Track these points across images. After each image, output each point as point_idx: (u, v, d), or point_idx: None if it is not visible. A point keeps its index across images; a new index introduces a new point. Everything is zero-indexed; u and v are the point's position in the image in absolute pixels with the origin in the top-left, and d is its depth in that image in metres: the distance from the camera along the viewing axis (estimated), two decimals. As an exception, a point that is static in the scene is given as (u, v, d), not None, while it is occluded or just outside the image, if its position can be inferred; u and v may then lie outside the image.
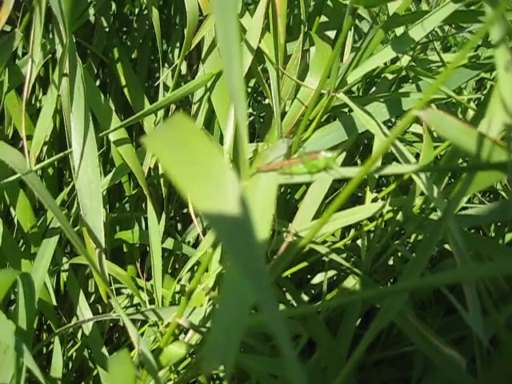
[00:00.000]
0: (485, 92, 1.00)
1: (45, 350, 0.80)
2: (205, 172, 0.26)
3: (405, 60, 0.67)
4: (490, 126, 0.40)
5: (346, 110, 0.66)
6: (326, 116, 0.65)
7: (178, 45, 0.82)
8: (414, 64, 0.68)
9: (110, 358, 0.41)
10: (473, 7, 0.67)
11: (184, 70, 0.83)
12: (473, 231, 0.87)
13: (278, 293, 0.53)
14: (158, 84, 0.73)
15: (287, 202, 0.78)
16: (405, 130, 0.78)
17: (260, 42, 0.58)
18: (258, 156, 0.43)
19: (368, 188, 0.64)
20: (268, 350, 0.59)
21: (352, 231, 0.78)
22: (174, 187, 0.68)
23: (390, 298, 0.44)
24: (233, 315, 0.28)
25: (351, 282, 0.62)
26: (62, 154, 0.55)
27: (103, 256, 0.53)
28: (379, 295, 0.46)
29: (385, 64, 0.69)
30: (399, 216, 0.59)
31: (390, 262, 0.77)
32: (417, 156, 0.80)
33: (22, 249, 0.66)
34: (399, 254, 0.70)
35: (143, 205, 0.83)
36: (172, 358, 0.49)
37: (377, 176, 0.65)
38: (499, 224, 0.82)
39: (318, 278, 0.81)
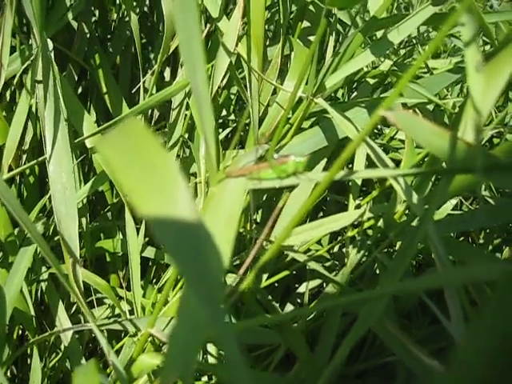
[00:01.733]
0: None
1: (29, 361, 0.78)
2: (157, 183, 0.25)
3: (387, 65, 0.67)
4: (466, 129, 0.39)
5: (330, 115, 0.65)
6: (310, 122, 0.64)
7: (161, 51, 0.81)
8: (395, 69, 0.67)
9: (76, 370, 0.40)
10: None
11: (168, 76, 0.82)
12: (462, 238, 0.86)
13: (254, 304, 0.52)
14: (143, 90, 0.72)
15: (271, 209, 0.77)
16: (391, 137, 0.77)
17: (237, 45, 0.57)
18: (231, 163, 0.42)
19: (351, 195, 0.63)
20: (250, 361, 0.58)
21: (339, 238, 0.77)
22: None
23: (368, 306, 0.43)
24: (189, 330, 0.27)
25: (334, 290, 0.61)
26: (35, 162, 0.54)
27: (77, 266, 0.52)
28: (354, 301, 0.45)
29: (367, 67, 0.68)
30: (381, 222, 0.58)
31: (377, 271, 0.76)
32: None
33: (1, 259, 0.65)
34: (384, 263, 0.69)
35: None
36: (144, 368, 0.48)
37: (359, 182, 0.64)
38: (488, 231, 0.81)
39: (304, 287, 0.80)
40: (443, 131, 0.36)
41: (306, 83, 0.56)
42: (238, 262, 0.66)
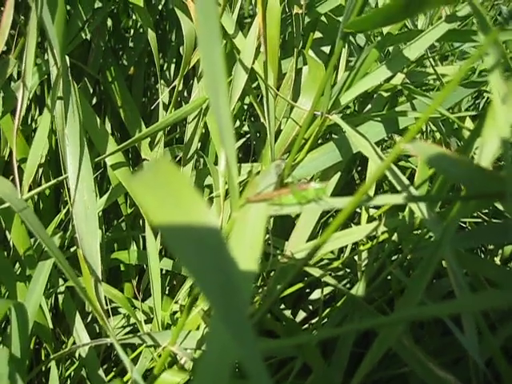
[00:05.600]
0: (483, 100, 0.99)
1: (43, 368, 0.80)
2: (188, 221, 0.26)
3: (399, 78, 0.67)
4: (483, 153, 0.40)
5: (343, 129, 0.65)
6: (321, 133, 0.65)
7: (174, 60, 0.82)
8: (408, 81, 0.67)
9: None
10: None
11: (180, 86, 0.82)
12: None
13: (270, 320, 0.53)
14: (155, 100, 0.73)
15: (284, 219, 0.78)
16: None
17: (254, 63, 0.58)
18: (249, 183, 0.43)
19: (364, 208, 0.64)
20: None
21: (349, 246, 0.78)
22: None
23: (387, 327, 0.44)
24: (219, 354, 0.28)
25: (348, 301, 0.62)
26: (55, 181, 0.54)
27: (99, 285, 0.52)
28: (374, 326, 0.46)
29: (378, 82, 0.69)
30: (395, 236, 0.59)
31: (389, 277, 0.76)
32: (413, 170, 0.80)
33: (18, 271, 0.65)
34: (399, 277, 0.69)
35: (140, 221, 0.83)
36: (166, 385, 0.49)
37: (372, 194, 0.65)
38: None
39: (317, 294, 0.81)
40: (463, 160, 0.37)
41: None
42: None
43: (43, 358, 0.80)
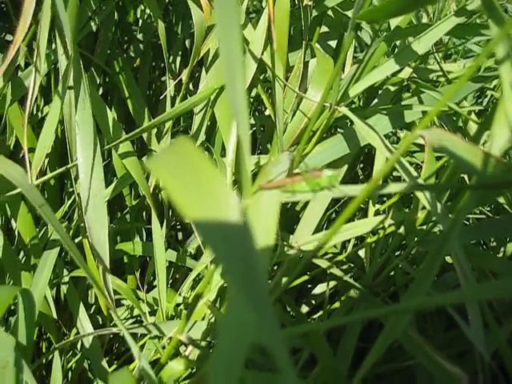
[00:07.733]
0: (486, 99, 1.00)
1: (44, 360, 0.79)
2: (208, 197, 0.26)
3: (406, 72, 0.67)
4: (494, 144, 0.40)
5: (351, 121, 0.66)
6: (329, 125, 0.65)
7: (179, 53, 0.82)
8: (415, 75, 0.68)
9: (111, 376, 0.41)
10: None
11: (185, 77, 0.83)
12: (473, 241, 0.87)
13: (278, 308, 0.53)
14: (160, 92, 0.73)
15: (288, 212, 0.78)
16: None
17: (263, 54, 0.58)
18: (260, 172, 0.43)
19: (370, 201, 0.64)
20: (269, 364, 0.59)
21: (352, 240, 0.78)
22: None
23: (394, 318, 0.44)
24: (235, 338, 0.28)
25: (353, 294, 0.62)
26: (63, 169, 0.54)
27: (107, 273, 0.52)
28: (381, 315, 0.46)
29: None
30: (401, 229, 0.59)
31: (392, 273, 0.76)
32: (417, 166, 0.80)
33: (23, 260, 0.65)
34: (400, 266, 0.70)
35: (144, 214, 0.83)
36: (173, 374, 0.49)
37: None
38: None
39: (320, 288, 0.81)
40: (476, 148, 0.37)
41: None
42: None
43: (44, 350, 0.79)
